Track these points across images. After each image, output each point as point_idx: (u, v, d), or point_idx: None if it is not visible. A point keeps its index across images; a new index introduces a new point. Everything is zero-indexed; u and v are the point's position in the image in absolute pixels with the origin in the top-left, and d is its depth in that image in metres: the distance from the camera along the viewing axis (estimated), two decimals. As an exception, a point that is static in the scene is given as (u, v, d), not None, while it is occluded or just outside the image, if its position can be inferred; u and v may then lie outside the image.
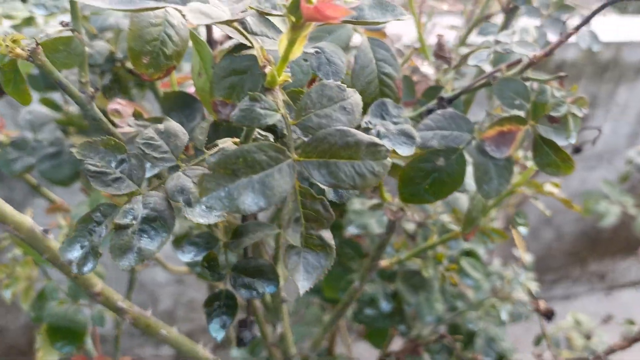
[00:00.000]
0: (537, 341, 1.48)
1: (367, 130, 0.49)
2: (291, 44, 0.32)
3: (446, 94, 0.58)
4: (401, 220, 0.85)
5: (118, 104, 0.55)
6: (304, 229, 0.35)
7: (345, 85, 0.35)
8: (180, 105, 0.55)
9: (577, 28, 0.49)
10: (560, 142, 0.53)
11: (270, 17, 0.39)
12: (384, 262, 0.84)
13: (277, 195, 0.33)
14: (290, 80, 0.35)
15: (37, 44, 0.43)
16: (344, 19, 0.39)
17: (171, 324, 0.73)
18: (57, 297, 0.82)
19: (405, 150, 0.48)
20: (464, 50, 0.70)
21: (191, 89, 0.63)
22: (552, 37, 0.90)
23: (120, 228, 0.37)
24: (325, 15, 0.27)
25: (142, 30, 0.46)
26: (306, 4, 0.28)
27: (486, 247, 1.14)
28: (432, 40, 0.85)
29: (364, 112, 0.51)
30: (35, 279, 0.91)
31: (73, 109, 0.97)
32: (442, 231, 0.86)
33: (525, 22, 0.84)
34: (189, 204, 0.38)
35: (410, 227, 1.00)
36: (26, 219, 0.60)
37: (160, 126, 0.42)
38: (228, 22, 0.31)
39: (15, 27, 0.88)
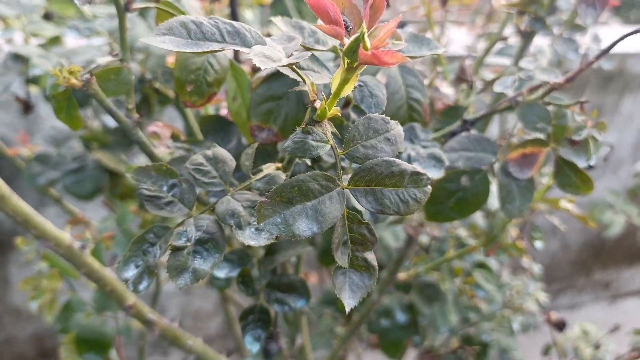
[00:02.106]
0: (546, 351, 1.50)
1: (398, 154, 0.51)
2: (344, 82, 0.35)
3: (469, 116, 0.61)
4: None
5: (156, 126, 0.58)
6: (350, 252, 0.38)
7: (389, 118, 0.38)
8: (216, 128, 0.57)
9: (598, 57, 0.51)
10: (581, 164, 0.55)
11: (314, 52, 0.42)
12: (402, 275, 0.87)
13: (329, 221, 0.35)
14: (339, 114, 0.37)
15: (92, 75, 0.45)
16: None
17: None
18: (83, 309, 0.84)
19: (435, 174, 0.51)
20: (482, 72, 0.73)
21: (223, 111, 0.66)
22: (562, 53, 0.92)
23: (176, 249, 0.40)
24: (382, 61, 0.30)
25: (187, 61, 0.49)
26: (364, 50, 0.30)
27: (498, 259, 1.16)
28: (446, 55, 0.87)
29: (394, 135, 0.54)
30: (60, 291, 0.93)
31: (96, 125, 0.99)
32: (458, 245, 0.89)
33: (538, 42, 0.87)
34: (239, 226, 0.40)
35: (424, 240, 1.02)
36: (66, 235, 0.62)
37: (209, 152, 0.44)
38: (289, 66, 0.34)
39: (43, 46, 0.90)
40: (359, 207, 0.41)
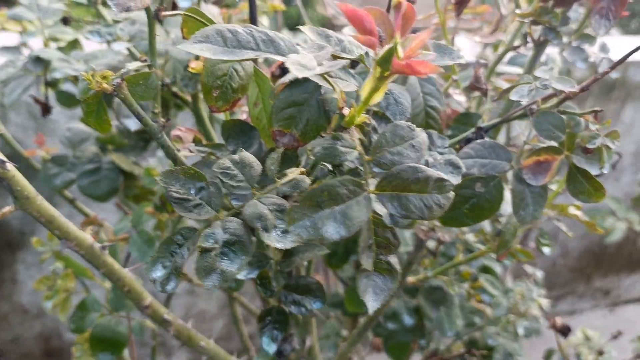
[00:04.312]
0: (547, 356, 1.51)
1: (416, 160, 0.53)
2: (374, 90, 0.36)
3: (483, 123, 0.62)
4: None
5: (180, 130, 0.59)
6: (375, 255, 0.39)
7: (414, 125, 0.39)
8: (238, 132, 0.58)
9: (613, 67, 0.53)
10: (594, 171, 0.57)
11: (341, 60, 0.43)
12: (411, 279, 0.88)
13: (356, 225, 0.37)
14: (368, 122, 0.39)
15: (123, 79, 0.47)
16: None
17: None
18: (98, 309, 0.85)
19: (453, 180, 0.52)
20: (495, 80, 0.74)
21: (243, 116, 0.67)
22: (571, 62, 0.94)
23: (204, 251, 0.41)
24: (415, 70, 0.31)
25: (213, 67, 0.50)
26: (397, 60, 0.32)
27: (502, 264, 1.17)
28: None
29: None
30: (73, 291, 0.94)
31: (112, 127, 1.00)
32: (466, 250, 0.90)
33: (548, 51, 0.89)
34: (266, 229, 0.41)
35: (431, 245, 1.03)
36: (87, 236, 0.63)
37: (236, 157, 0.45)
38: (322, 75, 0.35)
39: (62, 49, 0.92)
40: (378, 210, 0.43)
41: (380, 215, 0.43)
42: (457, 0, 0.72)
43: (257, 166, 0.45)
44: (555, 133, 0.57)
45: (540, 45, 0.71)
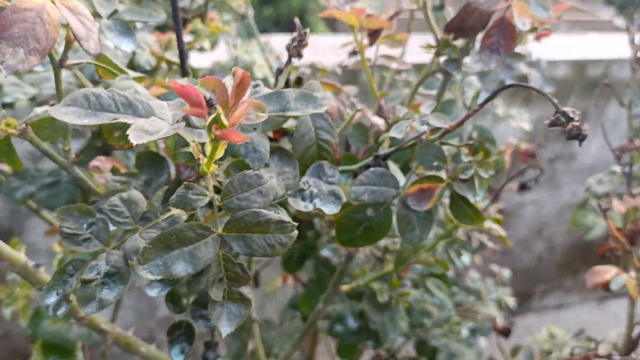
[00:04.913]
0: (514, 352, 1.57)
1: (301, 190, 0.58)
2: (214, 149, 0.42)
3: (383, 150, 0.68)
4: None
5: (99, 161, 0.65)
6: (227, 286, 0.45)
7: (263, 173, 0.45)
8: (151, 162, 0.64)
9: (481, 106, 0.57)
10: (471, 198, 0.62)
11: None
12: (344, 287, 0.94)
13: (202, 263, 0.43)
14: (217, 172, 0.44)
15: (27, 125, 0.53)
16: (271, 112, 0.48)
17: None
18: (51, 316, 0.92)
19: (333, 209, 0.57)
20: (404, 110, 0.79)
21: (163, 145, 0.73)
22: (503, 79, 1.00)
23: (85, 282, 0.47)
24: (229, 139, 0.37)
25: (112, 110, 0.56)
26: (217, 129, 0.37)
27: (455, 266, 1.22)
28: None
29: (303, 173, 0.61)
30: (33, 298, 1.01)
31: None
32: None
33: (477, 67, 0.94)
34: (140, 262, 0.47)
35: (378, 251, 1.09)
36: (20, 255, 0.70)
37: (125, 195, 0.51)
38: (165, 136, 0.41)
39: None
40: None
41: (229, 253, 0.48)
42: (370, 32, 0.77)
43: (142, 203, 0.51)
44: (435, 162, 0.62)
45: (447, 74, 0.76)
